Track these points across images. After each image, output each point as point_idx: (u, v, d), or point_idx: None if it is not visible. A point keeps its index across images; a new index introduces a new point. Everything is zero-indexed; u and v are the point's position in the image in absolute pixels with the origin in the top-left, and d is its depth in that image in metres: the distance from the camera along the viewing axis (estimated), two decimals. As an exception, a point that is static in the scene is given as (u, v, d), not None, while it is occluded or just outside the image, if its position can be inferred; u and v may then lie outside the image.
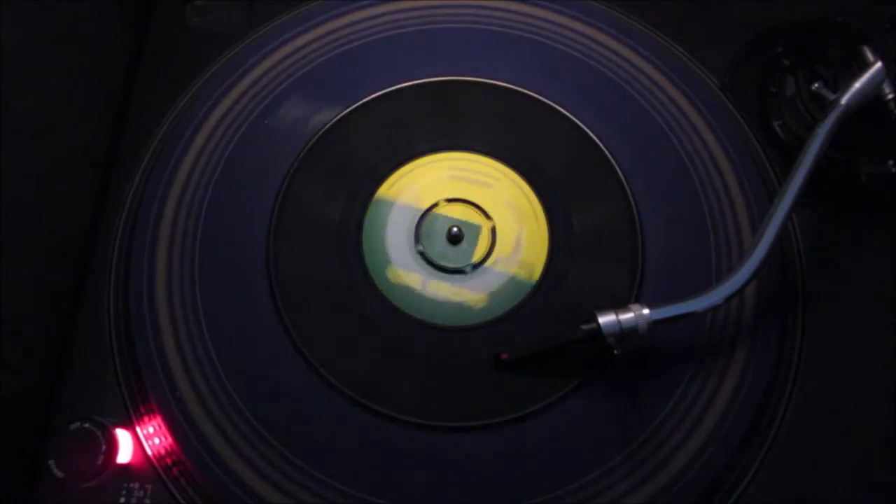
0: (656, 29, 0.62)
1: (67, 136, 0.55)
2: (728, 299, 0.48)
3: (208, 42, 0.62)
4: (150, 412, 0.51)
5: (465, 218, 0.56)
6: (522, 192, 0.56)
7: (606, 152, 0.56)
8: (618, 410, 0.50)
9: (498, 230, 0.55)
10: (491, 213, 0.55)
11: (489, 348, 0.51)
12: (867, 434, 0.51)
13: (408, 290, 0.53)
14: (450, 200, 0.56)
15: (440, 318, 0.52)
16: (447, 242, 0.55)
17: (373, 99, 0.58)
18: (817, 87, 0.54)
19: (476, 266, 0.54)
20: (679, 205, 0.55)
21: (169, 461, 0.50)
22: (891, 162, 0.55)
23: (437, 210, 0.56)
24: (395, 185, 0.56)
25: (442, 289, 0.53)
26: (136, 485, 0.50)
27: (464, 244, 0.55)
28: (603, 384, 0.50)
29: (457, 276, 0.54)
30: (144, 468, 0.50)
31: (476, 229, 0.55)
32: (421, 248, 0.54)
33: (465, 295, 0.53)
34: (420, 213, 0.55)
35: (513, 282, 0.54)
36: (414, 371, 0.51)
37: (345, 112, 0.58)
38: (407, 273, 0.54)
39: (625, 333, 0.47)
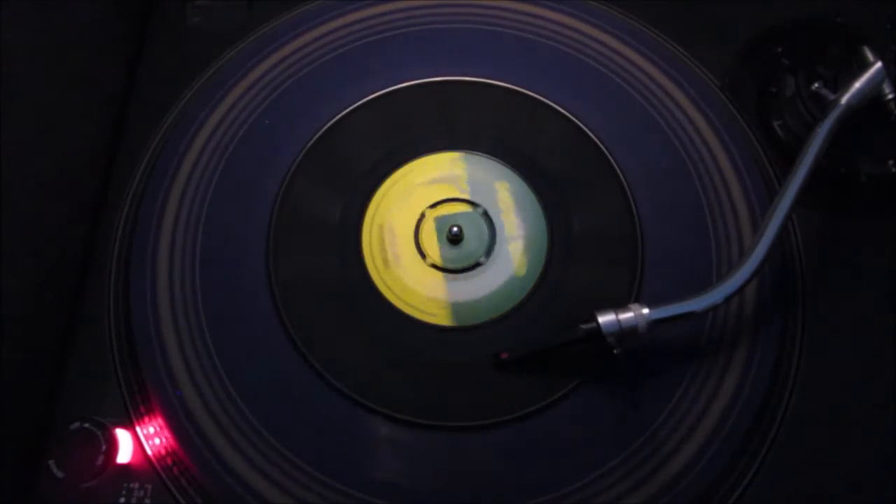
0: (656, 28, 0.62)
1: (67, 136, 0.55)
2: (728, 299, 0.48)
3: (208, 42, 0.62)
4: (150, 412, 0.51)
5: (455, 212, 0.56)
6: (503, 176, 0.56)
7: (606, 152, 0.56)
8: (618, 410, 0.50)
9: (490, 212, 0.55)
10: (478, 201, 0.56)
11: (489, 348, 0.51)
12: (867, 434, 0.50)
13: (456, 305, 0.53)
14: (434, 205, 0.56)
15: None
16: (449, 245, 0.55)
17: (372, 99, 0.58)
18: (817, 87, 0.54)
19: (488, 252, 0.54)
20: (679, 205, 0.55)
21: (169, 461, 0.50)
22: (891, 162, 0.55)
23: (425, 220, 0.56)
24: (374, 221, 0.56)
25: (483, 283, 0.53)
26: (136, 485, 0.50)
27: (466, 239, 0.55)
28: (603, 384, 0.50)
29: (477, 270, 0.54)
30: (144, 468, 0.50)
31: (471, 219, 0.55)
32: (431, 261, 0.54)
33: (507, 271, 0.53)
34: (413, 233, 0.55)
35: (531, 246, 0.54)
36: (414, 371, 0.51)
37: (344, 112, 0.58)
38: (438, 296, 0.53)
39: (624, 333, 0.47)
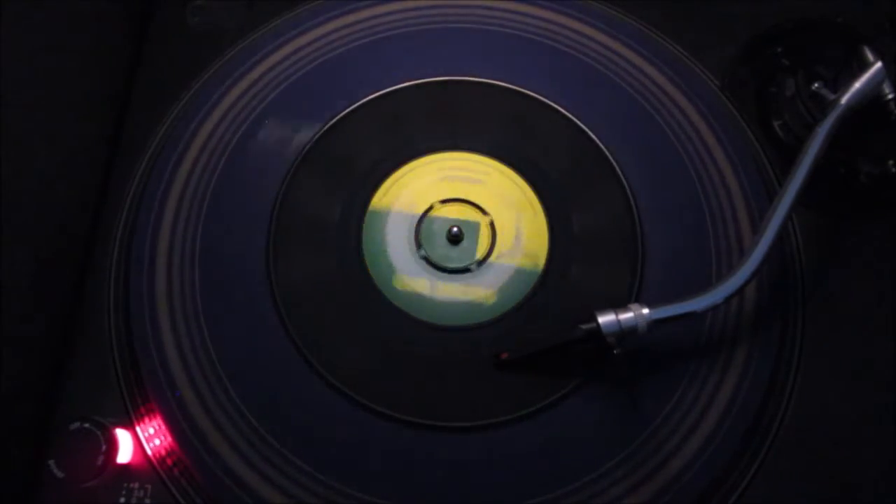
0: (656, 29, 0.62)
1: (67, 136, 0.55)
2: (728, 299, 0.48)
3: (208, 42, 0.62)
4: (150, 412, 0.51)
5: (463, 217, 0.55)
6: (516, 186, 0.56)
7: (606, 152, 0.56)
8: (617, 410, 0.50)
9: (496, 224, 0.55)
10: (487, 208, 0.55)
11: (489, 348, 0.51)
12: (867, 434, 0.50)
13: (416, 296, 0.53)
14: (445, 201, 0.56)
15: (440, 318, 0.52)
16: (448, 243, 0.55)
17: (373, 99, 0.58)
18: (817, 87, 0.54)
19: (480, 263, 0.54)
20: (679, 205, 0.55)
21: (169, 461, 0.50)
22: (891, 162, 0.55)
23: (433, 212, 0.56)
24: (388, 192, 0.56)
25: (450, 290, 0.53)
26: (136, 485, 0.50)
27: (465, 243, 0.55)
28: (602, 384, 0.50)
29: (463, 276, 0.54)
30: (144, 468, 0.50)
31: (475, 226, 0.55)
32: (423, 252, 0.54)
33: (474, 293, 0.53)
34: (417, 218, 0.55)
35: (519, 273, 0.54)
36: (414, 371, 0.51)
37: (344, 112, 0.58)
38: (413, 279, 0.54)
39: (624, 333, 0.47)
